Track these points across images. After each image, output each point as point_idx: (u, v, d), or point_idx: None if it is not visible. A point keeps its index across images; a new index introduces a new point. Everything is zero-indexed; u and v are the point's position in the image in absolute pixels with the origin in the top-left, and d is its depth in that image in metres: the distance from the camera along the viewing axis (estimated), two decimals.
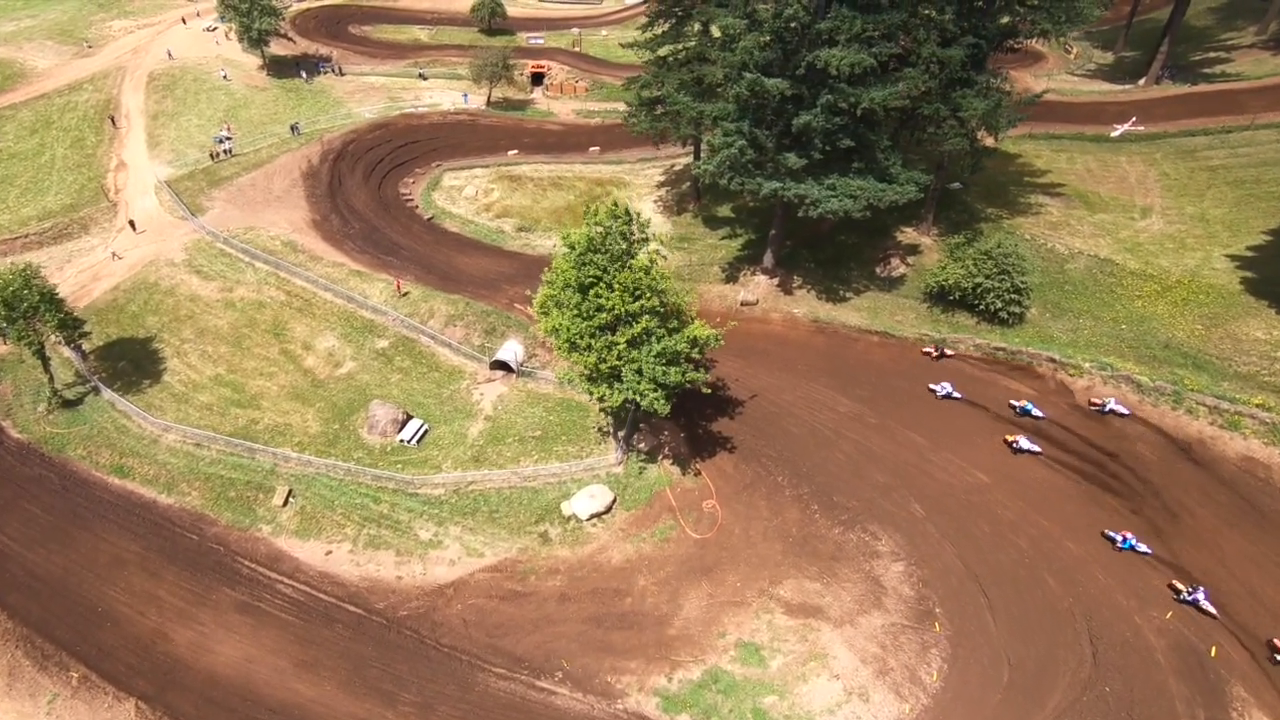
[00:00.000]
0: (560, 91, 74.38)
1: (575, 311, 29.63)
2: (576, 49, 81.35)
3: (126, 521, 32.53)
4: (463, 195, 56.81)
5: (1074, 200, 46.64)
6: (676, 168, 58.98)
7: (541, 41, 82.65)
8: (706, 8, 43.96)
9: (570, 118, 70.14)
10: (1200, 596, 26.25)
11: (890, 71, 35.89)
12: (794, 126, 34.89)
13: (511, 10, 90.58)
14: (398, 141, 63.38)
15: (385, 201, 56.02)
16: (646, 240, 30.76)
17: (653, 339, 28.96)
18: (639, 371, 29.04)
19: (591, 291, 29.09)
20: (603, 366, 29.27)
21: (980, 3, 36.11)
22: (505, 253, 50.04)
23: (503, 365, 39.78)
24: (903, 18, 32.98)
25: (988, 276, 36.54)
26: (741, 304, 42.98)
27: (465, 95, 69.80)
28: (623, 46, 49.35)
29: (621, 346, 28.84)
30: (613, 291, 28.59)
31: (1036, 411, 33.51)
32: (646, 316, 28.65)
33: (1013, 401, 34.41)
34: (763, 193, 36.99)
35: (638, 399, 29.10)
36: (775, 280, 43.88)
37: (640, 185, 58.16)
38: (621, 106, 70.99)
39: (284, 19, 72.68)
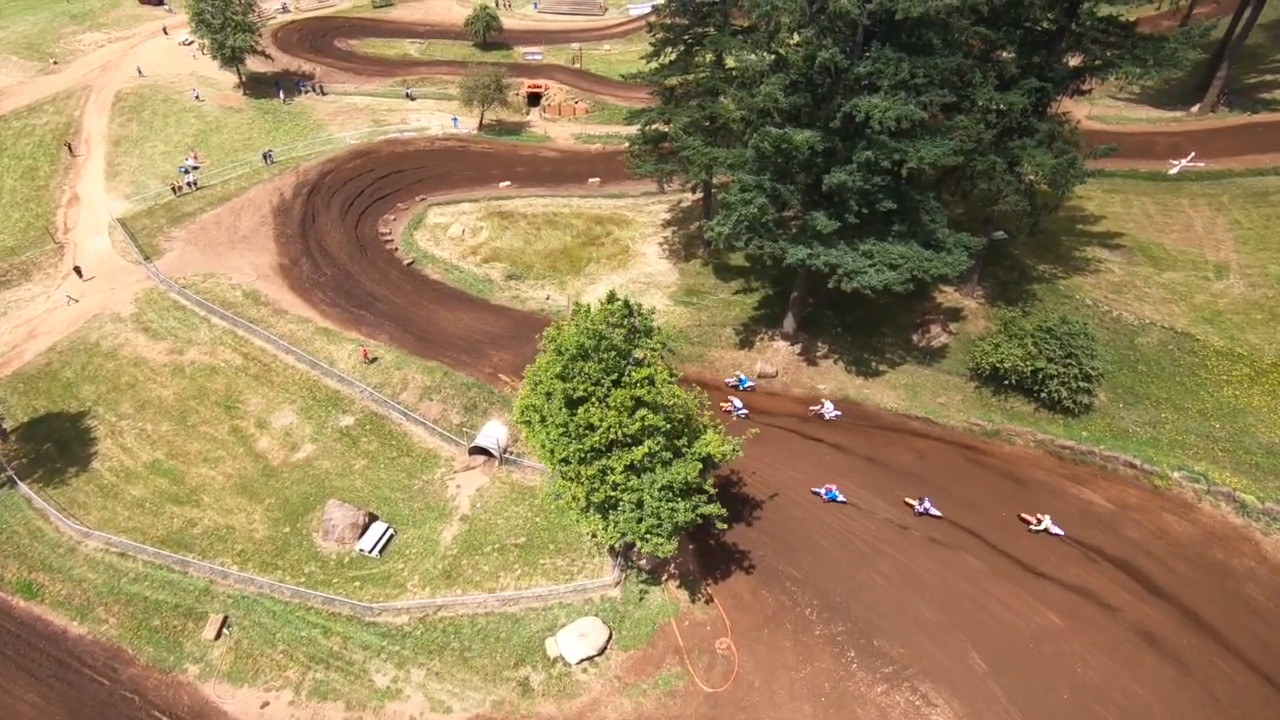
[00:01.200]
0: (558, 113, 69.01)
1: (562, 429, 24.19)
2: (577, 65, 75.96)
3: (28, 659, 27.28)
4: (448, 235, 51.46)
5: (1136, 254, 41.07)
6: (684, 204, 53.55)
7: (540, 57, 77.29)
8: (720, 36, 38.58)
9: (568, 143, 64.75)
10: None
11: (936, 118, 30.42)
12: (825, 184, 29.44)
13: (509, 22, 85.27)
14: (380, 171, 58.10)
15: (362, 242, 50.73)
16: (650, 333, 25.29)
17: (657, 465, 23.50)
18: (639, 503, 23.64)
19: (581, 409, 23.63)
20: (594, 497, 23.85)
21: (1045, 38, 30.57)
22: (492, 307, 44.63)
23: (483, 450, 34.50)
24: (958, 60, 27.52)
25: (1051, 360, 31.06)
26: (759, 376, 37.56)
27: (455, 119, 64.48)
28: (624, 78, 43.75)
29: (617, 474, 23.40)
30: (607, 410, 23.11)
31: (1109, 529, 28.07)
32: (650, 439, 23.22)
33: (1087, 514, 28.98)
34: (788, 260, 31.53)
35: (638, 542, 23.71)
36: (797, 348, 38.43)
37: (643, 224, 52.75)
38: (624, 130, 66.05)
39: (260, 35, 67.46)
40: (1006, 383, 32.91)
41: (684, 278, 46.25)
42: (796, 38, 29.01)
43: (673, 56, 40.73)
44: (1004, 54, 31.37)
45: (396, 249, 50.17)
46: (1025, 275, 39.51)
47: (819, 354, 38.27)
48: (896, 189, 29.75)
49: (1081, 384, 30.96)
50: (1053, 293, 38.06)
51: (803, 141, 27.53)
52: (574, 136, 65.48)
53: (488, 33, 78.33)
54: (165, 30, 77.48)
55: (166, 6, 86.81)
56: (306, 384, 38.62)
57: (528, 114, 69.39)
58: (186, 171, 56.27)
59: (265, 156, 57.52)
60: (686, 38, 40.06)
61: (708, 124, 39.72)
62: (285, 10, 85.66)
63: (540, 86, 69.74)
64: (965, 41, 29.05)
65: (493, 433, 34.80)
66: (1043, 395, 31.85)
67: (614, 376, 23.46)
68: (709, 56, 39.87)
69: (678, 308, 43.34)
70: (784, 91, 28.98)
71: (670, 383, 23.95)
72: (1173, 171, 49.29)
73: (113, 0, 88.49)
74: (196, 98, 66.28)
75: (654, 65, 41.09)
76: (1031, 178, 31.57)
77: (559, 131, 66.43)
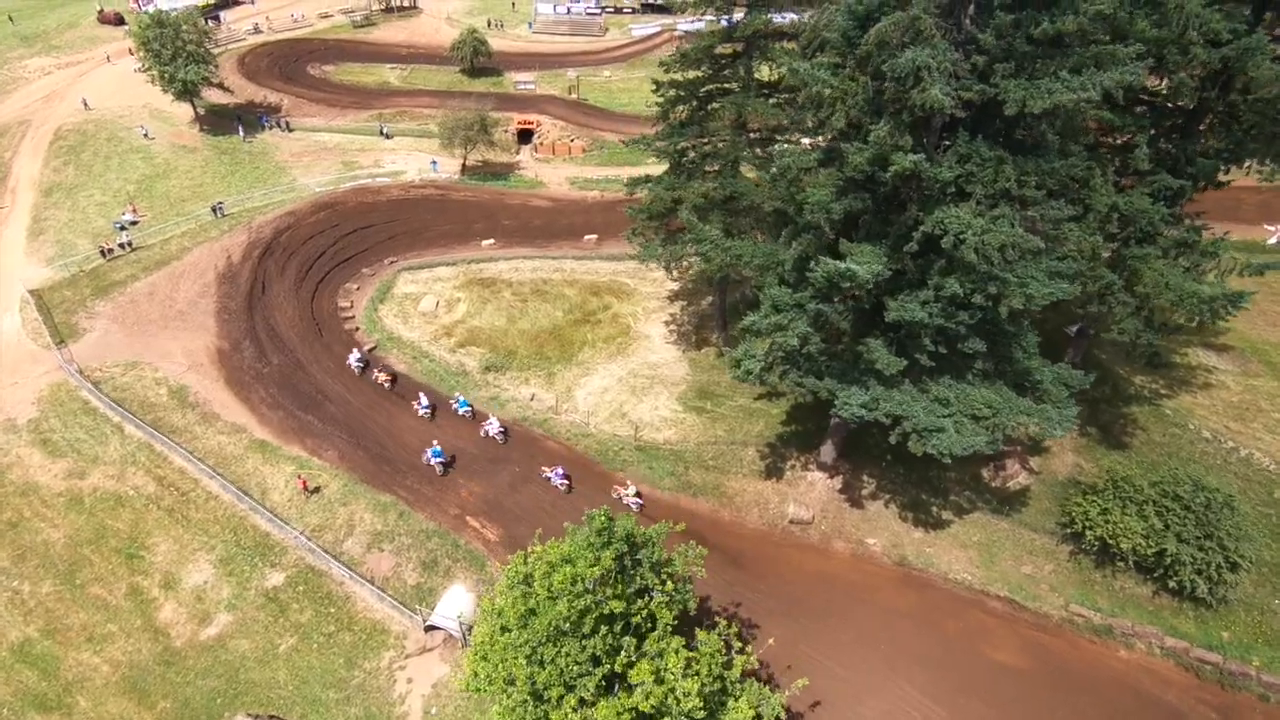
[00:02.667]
0: (552, 152, 61.70)
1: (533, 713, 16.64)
2: (573, 96, 68.67)
3: None
4: (419, 309, 44.06)
5: (1249, 359, 33.65)
6: (694, 270, 46.17)
7: (532, 87, 69.96)
8: (743, 96, 31.22)
9: (563, 189, 57.39)
10: None
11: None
12: (890, 315, 22.02)
13: (500, 44, 78.00)
14: (345, 227, 50.73)
15: (318, 319, 43.32)
16: (659, 570, 17.78)
17: None
18: None
19: (562, 702, 16.12)
20: None
21: (1181, 118, 23.17)
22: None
23: (442, 628, 27.13)
24: (1085, 165, 20.12)
25: (1183, 540, 23.61)
26: (790, 522, 30.13)
27: (434, 162, 57.14)
28: (627, 145, 36.16)
29: None
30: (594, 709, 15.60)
31: None
32: None
33: None
34: (839, 412, 24.10)
35: None
36: (837, 482, 30.99)
37: (647, 295, 45.33)
38: (626, 173, 58.73)
39: (216, 66, 60.14)
40: (1118, 558, 25.44)
41: (695, 371, 38.82)
42: (843, 119, 21.50)
43: (684, 115, 33.29)
44: (1125, 139, 23.94)
45: (358, 328, 42.74)
46: (1120, 391, 32.06)
47: (865, 491, 30.82)
48: (987, 325, 22.28)
49: (1225, 573, 23.51)
50: (1157, 418, 30.63)
51: (866, 272, 20.08)
52: (569, 181, 58.12)
53: (476, 58, 71.02)
54: (109, 58, 69.91)
55: (128, 27, 79.68)
56: (231, 523, 31.23)
57: (517, 153, 62.10)
58: (122, 228, 49.01)
59: (215, 209, 50.21)
60: (701, 94, 32.68)
61: (727, 203, 32.29)
62: (257, 31, 78.53)
63: (532, 123, 62.44)
64: (1086, 128, 21.65)
65: (455, 603, 27.37)
66: (1169, 582, 24.38)
67: (604, 669, 15.88)
68: (729, 117, 32.48)
69: (688, 416, 35.91)
70: (838, 196, 21.58)
71: (696, 658, 16.38)
72: (1272, 240, 41.88)
73: (69, 19, 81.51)
74: (145, 135, 59.07)
75: (661, 128, 33.60)
76: (1158, 302, 24.12)
77: (552, 174, 59.07)
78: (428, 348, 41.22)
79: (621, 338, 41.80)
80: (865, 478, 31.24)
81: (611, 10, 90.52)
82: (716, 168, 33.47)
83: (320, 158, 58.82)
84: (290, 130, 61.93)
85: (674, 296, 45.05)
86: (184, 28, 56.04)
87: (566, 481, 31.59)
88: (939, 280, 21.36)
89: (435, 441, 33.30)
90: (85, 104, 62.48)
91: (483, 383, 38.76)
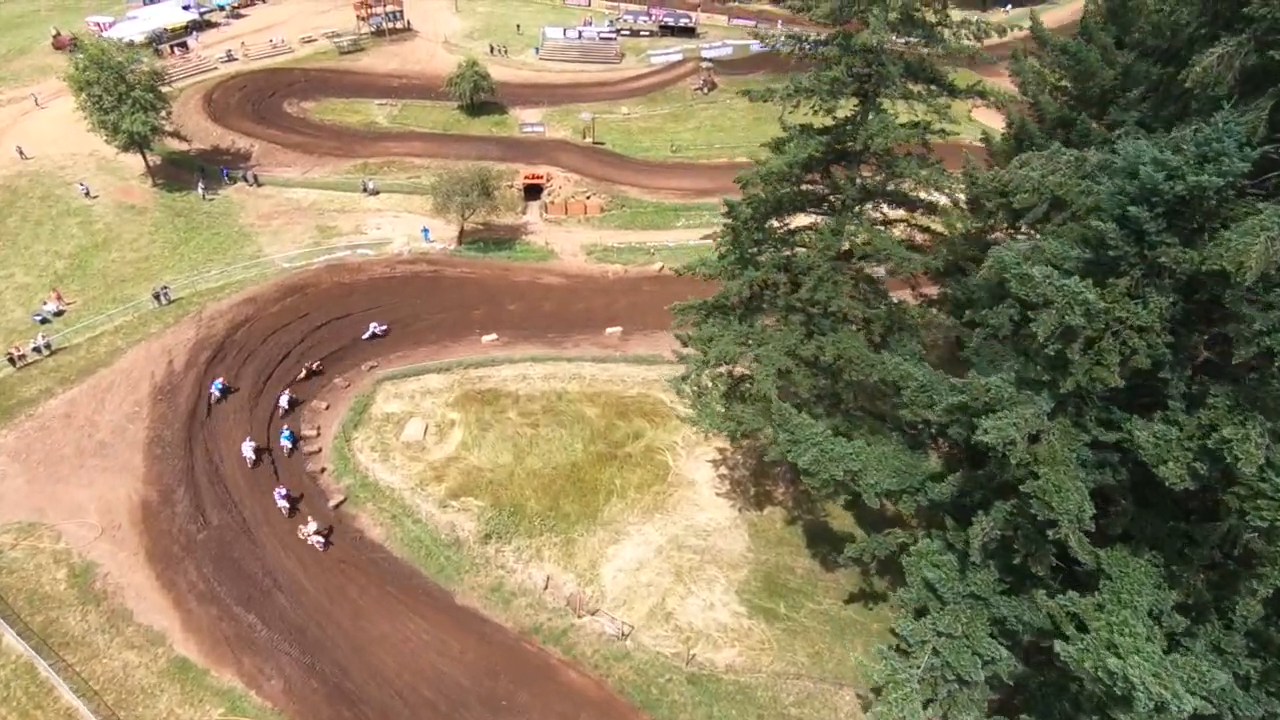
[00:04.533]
0: (564, 212, 52.77)
1: None
2: (588, 140, 59.74)
3: None
4: (403, 438, 35.13)
5: None
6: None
7: (541, 130, 60.97)
8: (842, 221, 22.22)
9: (578, 261, 48.43)
10: None
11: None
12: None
13: (504, 73, 68.92)
14: (317, 317, 41.83)
15: (276, 453, 34.43)
16: None
17: None
18: None
19: None
20: None
21: None
22: (457, 610, 27.96)
23: None
24: None
25: None
26: None
27: (426, 230, 48.20)
28: (678, 272, 26.80)
29: None
30: None
31: None
32: None
33: None
34: None
35: None
36: None
37: (687, 418, 36.34)
38: (653, 239, 50.05)
39: (168, 112, 51.18)
40: None
41: (759, 545, 29.85)
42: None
43: (755, 231, 24.11)
44: None
45: (324, 469, 33.80)
46: None
47: None
48: None
49: None
50: None
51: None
52: (585, 250, 49.15)
53: (475, 94, 62.06)
54: (36, 101, 60.58)
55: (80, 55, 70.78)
56: None
57: (523, 212, 53.17)
58: (43, 321, 40.20)
59: (158, 295, 41.32)
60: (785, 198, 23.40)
61: (819, 374, 23.08)
62: (230, 59, 69.56)
63: (541, 177, 53.47)
64: None
65: None
66: None
67: None
68: (829, 233, 23.29)
69: (755, 623, 26.94)
70: (1083, 469, 12.67)
71: None
72: None
73: (21, 44, 72.73)
74: (87, 194, 50.21)
75: (722, 250, 24.52)
76: None
77: (565, 241, 50.10)
78: (412, 500, 32.21)
79: (658, 484, 32.86)
80: None
81: (627, 33, 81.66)
82: (808, 300, 24.10)
83: (292, 220, 49.91)
84: (259, 185, 53.01)
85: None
86: (128, 70, 47.09)
87: None
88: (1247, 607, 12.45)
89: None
90: (21, 153, 53.59)
91: (480, 559, 29.76)
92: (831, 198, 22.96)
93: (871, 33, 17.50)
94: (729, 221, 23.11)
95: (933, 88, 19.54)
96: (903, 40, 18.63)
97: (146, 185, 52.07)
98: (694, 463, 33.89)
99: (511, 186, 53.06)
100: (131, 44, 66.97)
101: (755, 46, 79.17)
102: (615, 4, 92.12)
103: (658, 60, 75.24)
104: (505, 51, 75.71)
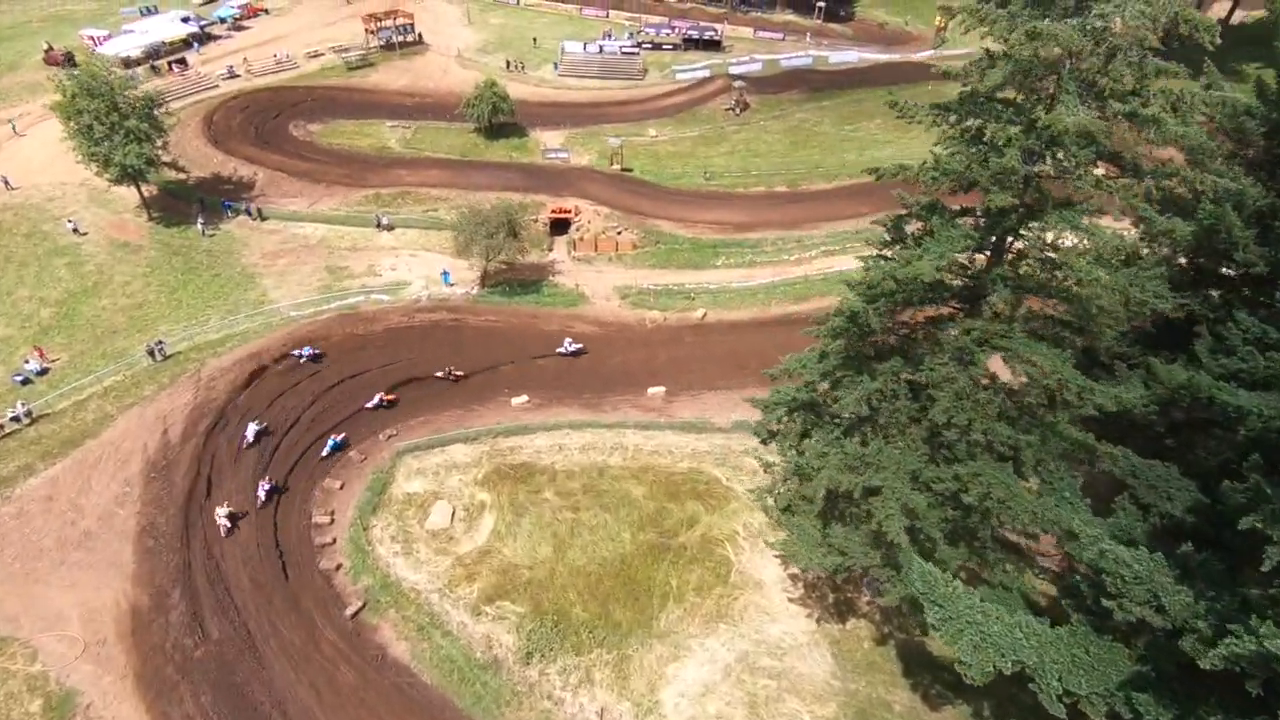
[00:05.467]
0: (594, 249, 48.71)
1: None
2: (616, 167, 55.69)
3: None
4: (428, 525, 31.09)
5: None
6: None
7: (566, 157, 56.91)
8: (1004, 334, 18.12)
9: (612, 306, 44.32)
10: None
11: None
12: None
13: (521, 90, 64.68)
14: (329, 376, 37.82)
15: (286, 544, 30.37)
16: None
17: None
18: None
19: None
20: None
21: None
22: None
23: None
24: None
25: None
26: None
27: (446, 273, 44.14)
28: (758, 407, 22.53)
29: None
30: None
31: None
32: None
33: None
34: None
35: None
36: None
37: (747, 497, 32.34)
38: (692, 280, 46.07)
39: (165, 142, 47.13)
40: None
41: (845, 671, 25.75)
42: None
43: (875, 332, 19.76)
44: None
45: (340, 565, 29.70)
46: None
47: None
48: None
49: None
50: None
51: None
52: (619, 294, 45.05)
53: (495, 116, 58.01)
54: (14, 129, 56.14)
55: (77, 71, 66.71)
56: None
57: (550, 249, 49.08)
58: (25, 381, 36.25)
59: (153, 350, 37.35)
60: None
61: (959, 507, 18.97)
62: (232, 75, 65.46)
63: (568, 211, 49.39)
64: None
65: None
66: None
67: None
68: (970, 342, 19.08)
69: None
70: None
71: None
72: None
73: (10, 59, 68.73)
74: (75, 231, 46.20)
75: (826, 348, 20.33)
76: None
77: (597, 283, 46.00)
78: (441, 605, 28.14)
79: (719, 586, 28.80)
80: None
81: (649, 47, 77.47)
82: (943, 425, 19.79)
83: (299, 260, 45.86)
84: (263, 218, 48.95)
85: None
86: (121, 97, 43.04)
87: None
88: None
89: None
90: (5, 183, 49.59)
91: (521, 683, 25.70)
92: (971, 287, 18.84)
93: (1066, 113, 13.45)
94: (841, 323, 18.89)
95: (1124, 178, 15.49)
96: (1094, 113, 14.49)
97: (141, 219, 48.07)
98: (759, 558, 29.82)
99: (536, 221, 48.98)
100: (128, 60, 63.58)
101: (785, 61, 75.25)
102: (635, 15, 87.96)
103: (684, 77, 71.08)
104: (522, 67, 71.59)
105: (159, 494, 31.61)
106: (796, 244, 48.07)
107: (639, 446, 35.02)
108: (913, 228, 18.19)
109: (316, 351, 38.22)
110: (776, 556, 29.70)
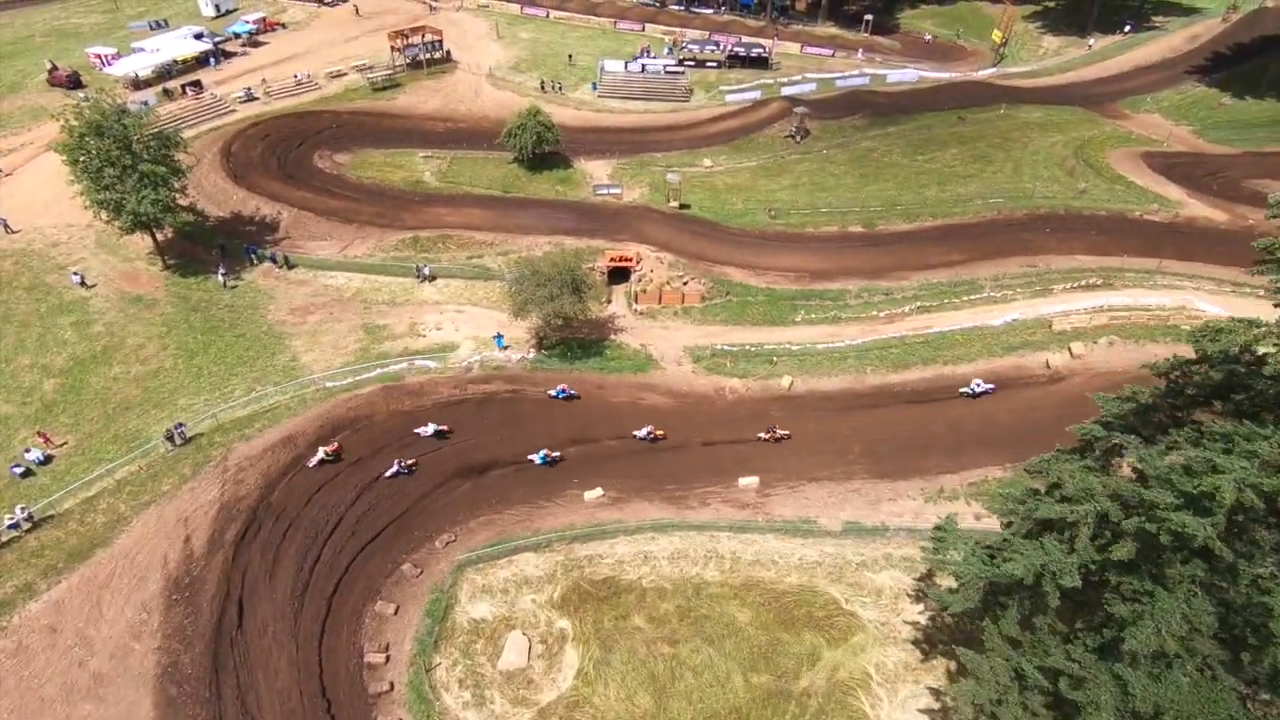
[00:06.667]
0: (658, 301, 43.74)
1: None
2: (673, 204, 50.72)
3: None
4: (500, 666, 26.20)
5: None
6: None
7: (618, 192, 51.97)
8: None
9: (684, 372, 39.35)
10: None
11: None
12: None
13: (559, 112, 59.42)
14: (375, 466, 32.89)
15: (332, 687, 25.49)
16: None
17: None
18: None
19: None
20: None
21: None
22: None
23: None
24: None
25: None
26: None
27: (500, 336, 39.20)
28: (909, 604, 17.68)
29: None
30: None
31: None
32: None
33: None
34: None
35: None
36: None
37: (878, 625, 27.33)
38: (777, 338, 41.45)
39: (184, 184, 42.26)
40: None
41: None
42: None
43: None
44: None
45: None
46: None
47: None
48: None
49: None
50: None
51: None
52: (691, 356, 40.10)
53: (539, 147, 53.12)
54: (3, 170, 50.66)
55: (87, 92, 61.82)
56: None
57: (608, 300, 44.13)
58: (25, 473, 31.44)
59: (171, 435, 32.46)
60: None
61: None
62: (250, 98, 60.52)
63: (629, 260, 44.39)
64: None
65: None
66: None
67: None
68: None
69: None
70: None
71: None
72: None
73: (11, 80, 63.75)
74: (82, 283, 41.38)
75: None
76: None
77: (665, 343, 41.06)
78: None
79: None
80: None
81: (692, 64, 72.49)
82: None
83: (332, 317, 40.98)
84: (290, 266, 44.09)
85: (932, 630, 27.10)
86: (135, 138, 38.21)
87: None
88: None
89: None
90: (5, 226, 44.77)
91: None
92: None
93: None
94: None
95: None
96: None
97: (155, 268, 43.24)
98: (902, 713, 24.89)
99: (593, 269, 44.05)
100: (138, 81, 58.90)
101: (840, 81, 70.16)
102: (671, 29, 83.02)
103: (733, 99, 66.13)
104: (560, 88, 66.60)
105: (182, 623, 26.78)
106: (885, 297, 43.06)
107: (737, 555, 30.11)
108: None
109: (333, 452, 32.68)
110: (923, 711, 24.83)
